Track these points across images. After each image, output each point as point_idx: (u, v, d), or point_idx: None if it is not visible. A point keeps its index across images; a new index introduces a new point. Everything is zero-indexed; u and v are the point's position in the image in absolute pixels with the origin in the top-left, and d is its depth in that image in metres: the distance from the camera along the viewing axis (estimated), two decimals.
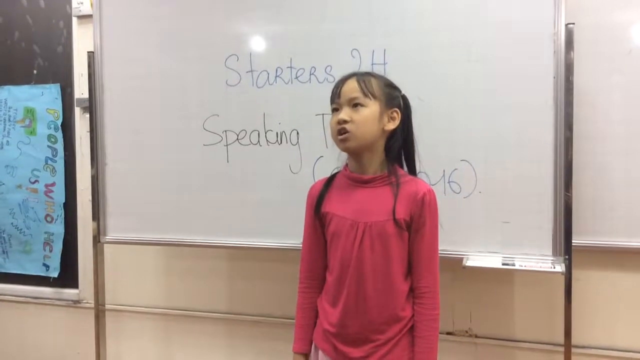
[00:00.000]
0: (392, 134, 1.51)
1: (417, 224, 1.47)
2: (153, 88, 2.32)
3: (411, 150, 1.58)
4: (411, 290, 1.52)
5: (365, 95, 1.45)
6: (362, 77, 1.48)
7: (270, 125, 2.18)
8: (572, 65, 1.85)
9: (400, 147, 1.54)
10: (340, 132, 1.46)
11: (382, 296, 1.48)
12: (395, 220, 1.45)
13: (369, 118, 1.45)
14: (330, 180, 1.62)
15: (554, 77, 1.86)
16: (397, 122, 1.50)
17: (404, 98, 1.56)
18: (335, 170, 1.68)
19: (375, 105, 1.46)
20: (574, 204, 1.88)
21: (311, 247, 1.63)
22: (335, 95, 1.50)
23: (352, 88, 1.47)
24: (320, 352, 1.59)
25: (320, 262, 1.62)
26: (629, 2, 2.05)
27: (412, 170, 1.59)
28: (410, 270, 1.52)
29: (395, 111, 1.50)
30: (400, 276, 1.49)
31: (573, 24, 1.84)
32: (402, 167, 1.59)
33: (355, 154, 1.53)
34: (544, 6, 1.85)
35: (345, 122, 1.45)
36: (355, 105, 1.45)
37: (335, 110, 1.50)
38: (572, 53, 1.85)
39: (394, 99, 1.51)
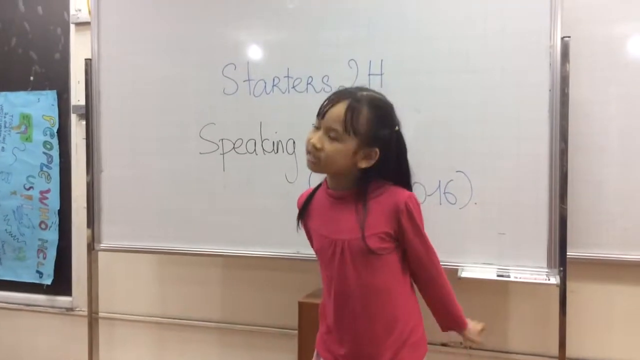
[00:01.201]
0: (369, 169, 1.41)
1: (406, 236, 1.42)
2: (150, 96, 2.32)
3: (405, 182, 1.46)
4: (405, 303, 1.50)
5: (346, 130, 1.34)
6: (354, 106, 1.35)
7: (267, 134, 2.18)
8: (568, 78, 1.87)
9: (373, 178, 1.42)
10: (310, 153, 1.40)
11: (372, 311, 1.45)
12: (364, 238, 1.38)
13: (340, 154, 1.36)
14: (313, 192, 1.57)
15: (550, 90, 1.87)
16: (371, 162, 1.39)
17: (398, 134, 1.43)
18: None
19: (352, 143, 1.35)
20: (569, 215, 1.89)
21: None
22: (321, 112, 1.40)
23: (336, 116, 1.35)
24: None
25: None
26: (624, 15, 2.07)
27: None
28: (400, 281, 1.48)
29: (375, 151, 1.37)
30: (390, 290, 1.46)
31: (569, 37, 1.86)
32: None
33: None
34: (541, 19, 1.87)
35: (315, 147, 1.38)
36: (331, 136, 1.36)
37: (316, 127, 1.41)
38: (567, 66, 1.87)
39: (378, 138, 1.37)
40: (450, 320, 1.54)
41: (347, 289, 1.44)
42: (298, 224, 1.58)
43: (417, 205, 1.44)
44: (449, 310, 1.53)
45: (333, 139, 1.36)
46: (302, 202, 1.58)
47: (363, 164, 1.38)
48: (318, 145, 1.37)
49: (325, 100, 1.40)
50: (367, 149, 1.37)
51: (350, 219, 1.42)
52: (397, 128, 1.42)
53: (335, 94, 1.41)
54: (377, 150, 1.38)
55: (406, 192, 1.43)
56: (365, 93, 1.40)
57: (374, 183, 1.42)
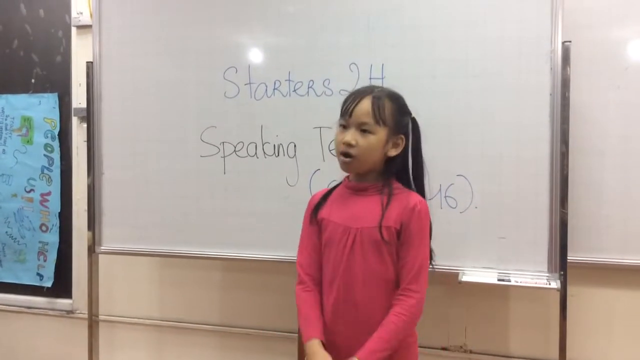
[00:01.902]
0: (394, 157, 1.50)
1: (405, 233, 1.46)
2: (151, 99, 2.32)
3: (420, 173, 1.56)
4: None
5: (377, 122, 1.44)
6: (378, 100, 1.45)
7: (268, 138, 2.18)
8: (569, 82, 1.87)
9: (398, 168, 1.52)
10: (344, 153, 1.46)
11: (372, 303, 1.47)
12: (380, 228, 1.44)
13: (374, 146, 1.45)
14: (331, 190, 1.62)
15: (551, 94, 1.87)
16: (399, 149, 1.49)
17: (414, 121, 1.54)
18: (335, 182, 1.67)
19: (383, 132, 1.45)
20: (570, 219, 1.89)
21: (308, 248, 1.60)
22: (347, 112, 1.47)
23: (364, 111, 1.44)
24: None
25: (316, 265, 1.58)
26: (624, 19, 2.07)
27: (421, 192, 1.56)
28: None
29: (401, 138, 1.49)
30: (392, 284, 1.48)
31: (569, 41, 1.86)
32: (409, 185, 1.55)
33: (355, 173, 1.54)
34: (541, 24, 1.87)
35: (350, 145, 1.45)
36: (364, 130, 1.44)
37: (343, 126, 1.49)
38: (568, 70, 1.87)
39: (402, 126, 1.49)
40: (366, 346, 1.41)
41: (352, 278, 1.47)
42: (314, 217, 1.59)
43: (427, 211, 1.50)
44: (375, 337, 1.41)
45: (366, 132, 1.45)
46: (319, 198, 1.62)
47: (392, 152, 1.49)
48: (353, 142, 1.45)
49: (348, 100, 1.49)
50: (394, 138, 1.48)
51: (368, 209, 1.48)
52: (412, 115, 1.54)
53: (355, 93, 1.50)
54: (403, 137, 1.49)
55: (419, 197, 1.51)
56: (380, 89, 1.53)
57: (394, 182, 1.51)
